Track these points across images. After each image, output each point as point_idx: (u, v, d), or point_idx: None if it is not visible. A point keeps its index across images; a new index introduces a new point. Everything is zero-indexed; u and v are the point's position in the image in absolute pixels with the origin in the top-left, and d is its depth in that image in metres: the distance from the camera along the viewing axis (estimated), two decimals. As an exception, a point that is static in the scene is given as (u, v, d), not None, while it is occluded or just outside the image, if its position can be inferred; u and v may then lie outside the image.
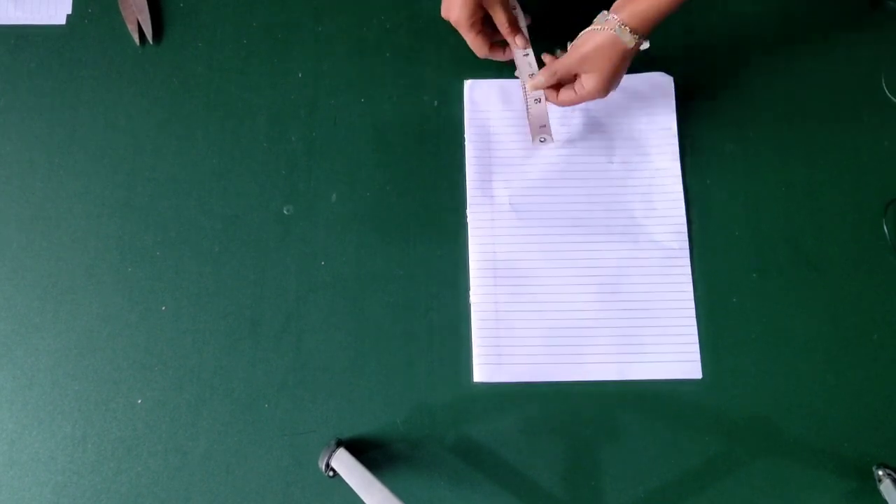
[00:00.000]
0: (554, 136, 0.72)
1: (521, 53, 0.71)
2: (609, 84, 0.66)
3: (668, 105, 0.73)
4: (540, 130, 0.71)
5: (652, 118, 0.73)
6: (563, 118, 0.73)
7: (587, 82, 0.66)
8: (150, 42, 0.77)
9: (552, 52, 0.70)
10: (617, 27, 0.62)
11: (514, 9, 0.71)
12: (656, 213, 0.71)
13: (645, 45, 0.64)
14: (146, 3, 0.77)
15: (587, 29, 0.64)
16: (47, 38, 0.77)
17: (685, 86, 0.74)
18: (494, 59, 0.73)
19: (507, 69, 0.75)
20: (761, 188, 0.72)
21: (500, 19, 0.69)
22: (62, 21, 0.78)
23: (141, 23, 0.77)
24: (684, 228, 0.70)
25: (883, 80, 0.74)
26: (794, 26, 0.76)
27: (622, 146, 0.73)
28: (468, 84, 0.75)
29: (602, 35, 0.63)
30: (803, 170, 0.72)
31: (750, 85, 0.75)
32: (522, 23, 0.71)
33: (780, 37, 0.76)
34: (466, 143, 0.73)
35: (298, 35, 0.77)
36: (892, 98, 0.73)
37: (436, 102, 0.75)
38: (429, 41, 0.76)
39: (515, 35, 0.70)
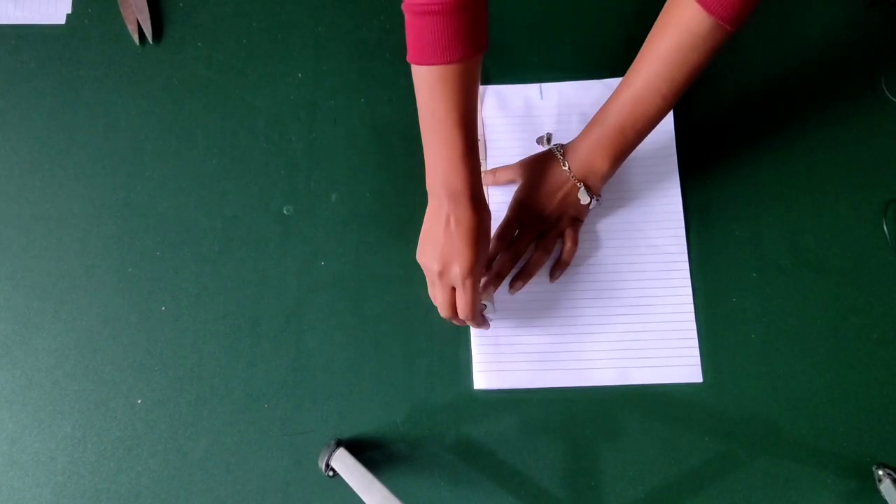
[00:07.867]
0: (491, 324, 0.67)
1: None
2: (528, 188, 0.67)
3: None
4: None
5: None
6: (559, 121, 0.73)
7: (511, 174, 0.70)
8: (150, 42, 0.77)
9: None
10: (557, 152, 0.66)
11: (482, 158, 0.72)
12: (654, 218, 0.71)
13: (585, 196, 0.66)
14: (146, 3, 0.77)
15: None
16: (47, 38, 0.77)
17: (685, 86, 0.74)
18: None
19: (503, 74, 0.75)
20: (761, 188, 0.72)
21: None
22: (62, 21, 0.78)
23: (141, 23, 0.77)
24: (682, 233, 0.70)
25: (882, 80, 0.74)
26: (793, 26, 0.76)
27: None
28: None
29: (543, 156, 0.68)
30: (803, 170, 0.72)
31: (749, 85, 0.75)
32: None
33: (779, 36, 0.76)
34: None
35: (298, 36, 0.77)
36: (892, 98, 0.73)
37: (436, 102, 0.75)
38: (429, 41, 0.76)
39: (473, 318, 0.62)
